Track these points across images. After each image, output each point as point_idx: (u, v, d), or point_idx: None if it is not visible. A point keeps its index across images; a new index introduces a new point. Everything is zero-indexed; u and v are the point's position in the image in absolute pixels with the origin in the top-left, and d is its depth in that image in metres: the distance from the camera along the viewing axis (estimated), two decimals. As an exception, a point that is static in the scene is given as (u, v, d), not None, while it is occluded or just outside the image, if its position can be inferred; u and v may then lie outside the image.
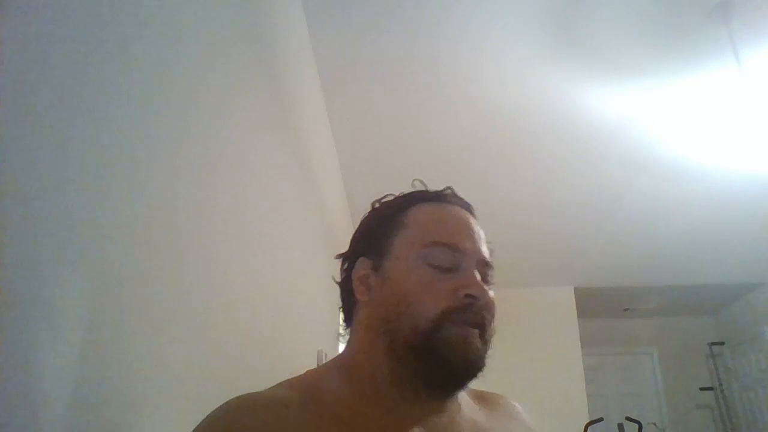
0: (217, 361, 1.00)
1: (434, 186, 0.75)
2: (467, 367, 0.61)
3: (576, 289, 4.89)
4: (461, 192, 0.75)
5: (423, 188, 0.74)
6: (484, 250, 0.68)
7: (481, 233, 0.69)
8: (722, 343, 5.50)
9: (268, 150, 1.53)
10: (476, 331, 0.61)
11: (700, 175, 3.18)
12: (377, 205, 0.75)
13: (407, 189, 0.75)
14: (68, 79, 0.58)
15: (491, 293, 0.65)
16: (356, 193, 3.22)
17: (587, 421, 4.21)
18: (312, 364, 1.72)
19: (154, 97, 0.80)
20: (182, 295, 0.87)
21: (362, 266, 0.69)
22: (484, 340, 0.62)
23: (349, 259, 0.73)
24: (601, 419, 4.26)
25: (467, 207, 0.73)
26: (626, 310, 5.61)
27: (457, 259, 0.64)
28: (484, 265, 0.66)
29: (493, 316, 0.64)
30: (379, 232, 0.70)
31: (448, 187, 0.74)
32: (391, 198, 0.74)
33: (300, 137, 2.03)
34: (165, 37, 0.85)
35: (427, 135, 2.82)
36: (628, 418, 4.52)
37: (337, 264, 0.75)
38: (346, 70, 2.37)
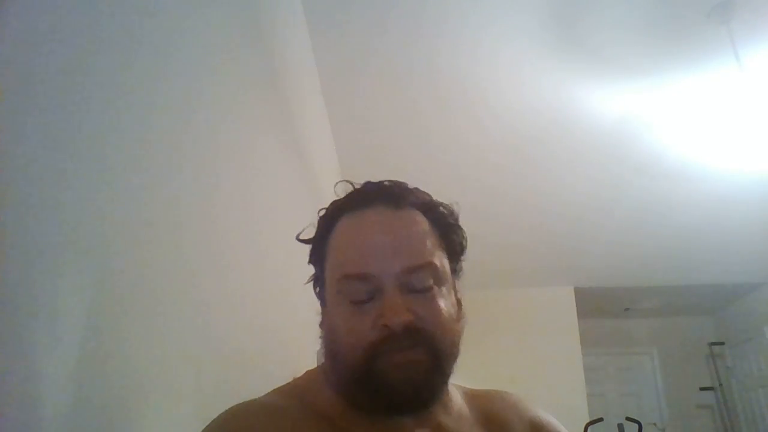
0: (217, 362, 1.00)
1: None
2: (414, 390, 0.57)
3: (576, 289, 4.88)
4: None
5: (349, 189, 0.67)
6: (408, 254, 0.59)
7: (403, 230, 0.61)
8: (722, 343, 5.49)
9: (268, 150, 1.53)
10: (418, 349, 0.56)
11: (701, 174, 3.18)
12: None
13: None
14: (69, 80, 0.58)
15: (435, 302, 0.59)
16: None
17: (587, 421, 4.21)
18: (312, 365, 1.71)
19: (154, 96, 0.80)
20: (182, 295, 0.87)
21: (318, 296, 0.68)
22: (433, 353, 0.57)
23: (314, 282, 0.69)
24: (601, 419, 4.26)
25: (393, 201, 0.63)
26: (626, 310, 5.60)
27: (372, 284, 0.58)
28: (410, 273, 0.59)
29: (434, 327, 0.58)
30: (316, 262, 0.67)
31: (383, 182, 0.66)
32: (324, 212, 0.68)
33: (300, 137, 2.03)
34: (166, 37, 0.85)
35: (427, 135, 2.82)
36: (628, 418, 4.51)
37: None
38: (346, 70, 2.37)
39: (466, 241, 0.67)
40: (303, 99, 2.14)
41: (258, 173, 1.40)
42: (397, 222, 0.62)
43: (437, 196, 0.69)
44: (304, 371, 0.70)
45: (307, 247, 0.69)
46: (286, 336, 1.62)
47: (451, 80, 2.44)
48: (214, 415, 0.59)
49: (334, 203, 0.67)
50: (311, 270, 0.70)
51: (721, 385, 5.34)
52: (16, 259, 0.49)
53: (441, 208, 0.66)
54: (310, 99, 2.29)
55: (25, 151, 0.51)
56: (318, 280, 0.67)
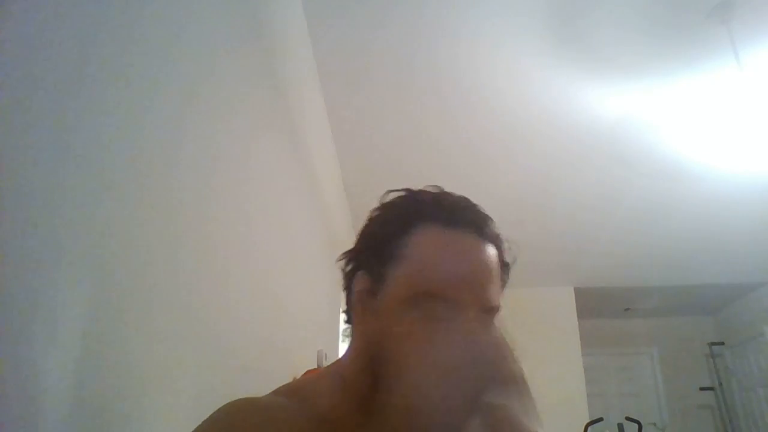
0: (217, 362, 1.00)
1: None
2: (449, 421, 0.57)
3: (576, 289, 4.89)
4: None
5: (437, 191, 0.65)
6: (490, 293, 0.61)
7: (490, 266, 0.62)
8: (722, 343, 5.50)
9: (268, 151, 1.53)
10: None
11: (701, 174, 3.18)
12: (387, 199, 0.66)
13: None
14: (68, 79, 0.58)
15: None
16: (356, 192, 3.21)
17: (587, 421, 4.21)
18: (312, 365, 1.72)
19: (154, 97, 0.80)
20: (183, 295, 0.87)
21: (361, 283, 0.64)
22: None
23: (353, 260, 0.67)
24: (601, 419, 4.26)
25: (480, 229, 0.63)
26: (626, 310, 5.61)
27: (452, 308, 0.58)
28: (487, 312, 0.61)
29: None
30: (378, 254, 0.63)
31: (464, 199, 0.66)
32: (399, 201, 0.65)
33: (300, 137, 2.03)
34: (165, 37, 0.85)
35: (427, 134, 2.82)
36: (628, 418, 4.52)
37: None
38: (346, 69, 2.37)
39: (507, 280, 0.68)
40: (302, 98, 2.14)
41: (258, 174, 1.40)
42: (484, 256, 0.62)
43: None
44: (304, 371, 0.70)
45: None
46: (286, 336, 1.62)
47: (451, 79, 2.44)
48: (214, 415, 0.59)
49: (409, 202, 0.65)
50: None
51: (721, 385, 5.35)
52: (16, 260, 0.49)
53: (505, 243, 0.67)
54: (309, 98, 2.29)
55: (24, 153, 0.51)
56: (373, 271, 0.63)
